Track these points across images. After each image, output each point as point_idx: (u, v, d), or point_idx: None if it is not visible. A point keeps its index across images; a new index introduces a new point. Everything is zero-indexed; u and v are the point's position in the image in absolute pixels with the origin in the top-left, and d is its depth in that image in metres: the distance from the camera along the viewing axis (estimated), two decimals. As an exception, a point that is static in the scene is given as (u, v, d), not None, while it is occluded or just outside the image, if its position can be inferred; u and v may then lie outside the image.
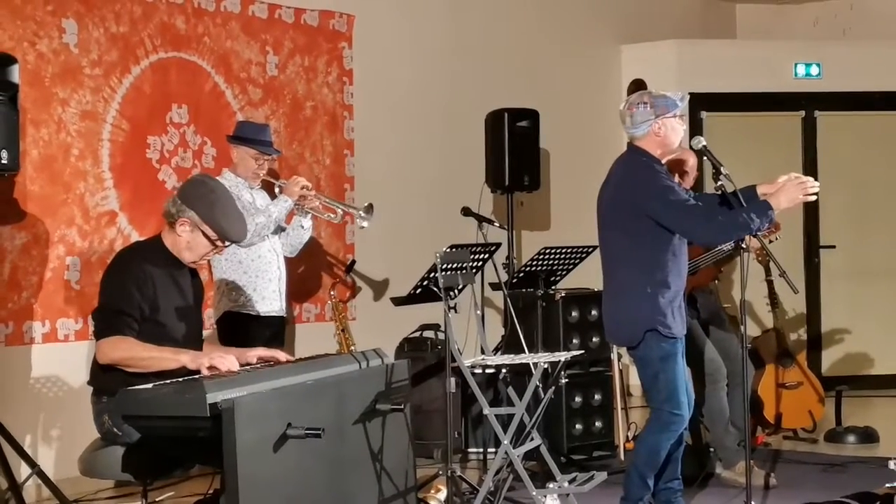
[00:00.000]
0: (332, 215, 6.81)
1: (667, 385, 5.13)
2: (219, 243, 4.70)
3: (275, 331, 6.36)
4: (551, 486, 5.26)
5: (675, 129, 5.13)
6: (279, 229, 6.44)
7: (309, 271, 7.65)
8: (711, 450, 6.36)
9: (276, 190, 6.47)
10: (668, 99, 5.12)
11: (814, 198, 5.02)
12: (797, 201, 5.00)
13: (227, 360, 4.49)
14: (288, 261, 6.53)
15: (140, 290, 4.55)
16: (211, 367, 4.44)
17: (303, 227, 6.57)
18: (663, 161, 5.20)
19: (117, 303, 4.53)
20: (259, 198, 6.42)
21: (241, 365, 4.61)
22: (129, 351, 4.46)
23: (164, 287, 4.65)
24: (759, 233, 5.06)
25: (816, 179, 5.07)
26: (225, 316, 6.26)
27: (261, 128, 6.58)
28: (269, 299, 6.31)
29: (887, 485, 5.82)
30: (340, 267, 7.84)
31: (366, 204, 6.66)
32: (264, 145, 6.42)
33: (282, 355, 4.81)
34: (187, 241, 4.68)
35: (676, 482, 5.37)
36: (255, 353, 4.78)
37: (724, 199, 5.13)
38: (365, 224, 6.63)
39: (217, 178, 6.30)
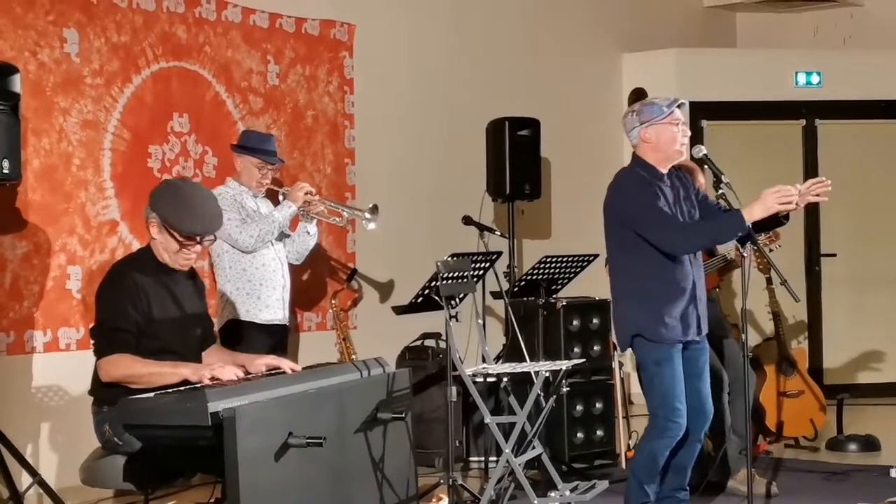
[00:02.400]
0: (338, 219, 6.82)
1: (661, 390, 5.14)
2: (186, 241, 4.68)
3: (278, 339, 6.36)
4: (553, 494, 5.26)
5: (665, 134, 5.16)
6: (283, 236, 6.45)
7: (311, 280, 7.65)
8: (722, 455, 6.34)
9: (280, 197, 6.48)
10: (654, 105, 5.19)
11: (793, 206, 4.98)
12: (773, 210, 4.97)
13: (227, 370, 4.49)
14: (291, 269, 6.53)
15: (134, 304, 4.55)
16: (212, 379, 4.44)
17: (308, 233, 6.58)
18: (665, 167, 5.22)
19: (113, 320, 4.54)
20: (263, 206, 6.44)
21: (249, 373, 4.61)
22: (130, 369, 4.47)
23: (158, 297, 4.65)
24: (746, 241, 5.13)
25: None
26: (228, 324, 6.26)
27: (265, 137, 6.59)
28: (272, 308, 6.32)
29: (888, 500, 5.83)
30: (342, 276, 7.85)
31: (370, 205, 6.65)
32: (268, 155, 6.43)
33: (286, 365, 4.79)
34: (161, 243, 4.69)
35: (683, 493, 5.35)
36: (265, 361, 4.77)
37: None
38: (372, 225, 6.61)
39: (221, 186, 6.35)
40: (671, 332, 5.14)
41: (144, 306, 4.58)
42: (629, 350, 5.32)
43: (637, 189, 5.11)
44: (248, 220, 6.24)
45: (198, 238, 4.70)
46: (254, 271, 6.28)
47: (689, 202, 5.24)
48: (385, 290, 8.10)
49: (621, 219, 5.16)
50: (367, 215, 6.60)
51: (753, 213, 4.96)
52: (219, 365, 4.55)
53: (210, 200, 4.83)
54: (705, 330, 5.30)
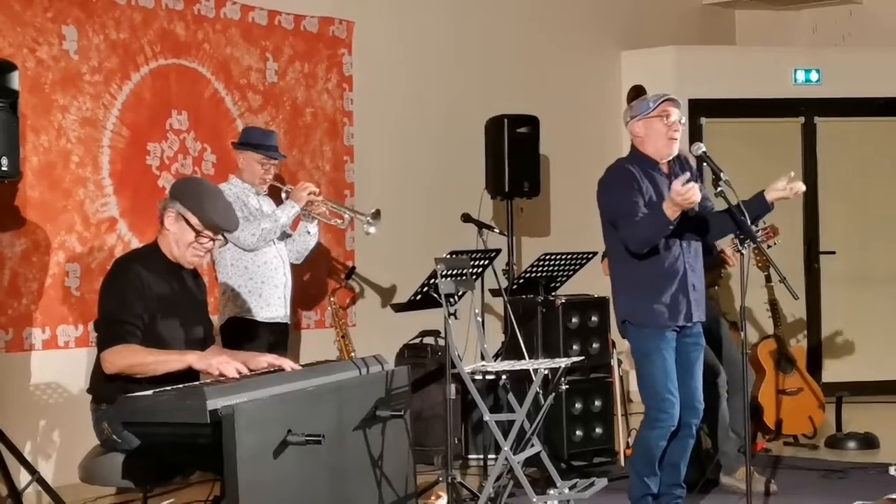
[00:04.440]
0: (339, 220, 6.82)
1: (651, 381, 5.24)
2: (203, 231, 4.67)
3: (279, 337, 6.36)
4: (552, 492, 5.26)
5: (653, 128, 5.29)
6: (284, 236, 6.45)
7: (310, 278, 7.65)
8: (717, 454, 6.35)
9: (283, 195, 6.47)
10: (643, 101, 5.38)
11: (697, 197, 4.96)
12: (678, 208, 4.97)
13: (233, 365, 4.48)
14: (292, 267, 6.52)
15: (139, 297, 4.54)
16: (217, 369, 4.44)
17: (309, 232, 6.57)
18: (661, 158, 5.31)
19: (118, 312, 4.52)
20: (265, 204, 6.43)
21: (250, 370, 4.60)
22: (134, 357, 4.46)
23: (162, 292, 4.64)
24: (755, 239, 5.16)
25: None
26: (229, 321, 6.27)
27: (266, 133, 6.59)
28: (274, 305, 6.32)
29: (887, 497, 5.82)
30: (341, 274, 7.84)
31: (373, 210, 6.64)
32: (270, 150, 6.43)
33: (287, 364, 4.78)
34: (174, 234, 4.68)
35: (679, 489, 5.38)
36: (266, 359, 4.76)
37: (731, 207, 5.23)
38: (372, 230, 6.59)
39: (224, 184, 6.34)
40: (658, 318, 5.22)
41: (148, 301, 4.57)
42: (628, 348, 5.37)
43: (614, 182, 5.29)
44: (250, 219, 6.24)
45: (213, 233, 4.69)
46: (255, 269, 6.28)
47: None
48: (384, 287, 8.10)
49: (603, 211, 5.33)
50: (370, 219, 6.56)
51: (667, 211, 5.00)
52: (225, 359, 4.53)
53: (230, 204, 4.91)
54: (699, 317, 5.34)
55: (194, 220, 4.66)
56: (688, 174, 5.03)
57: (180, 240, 4.68)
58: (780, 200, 5.28)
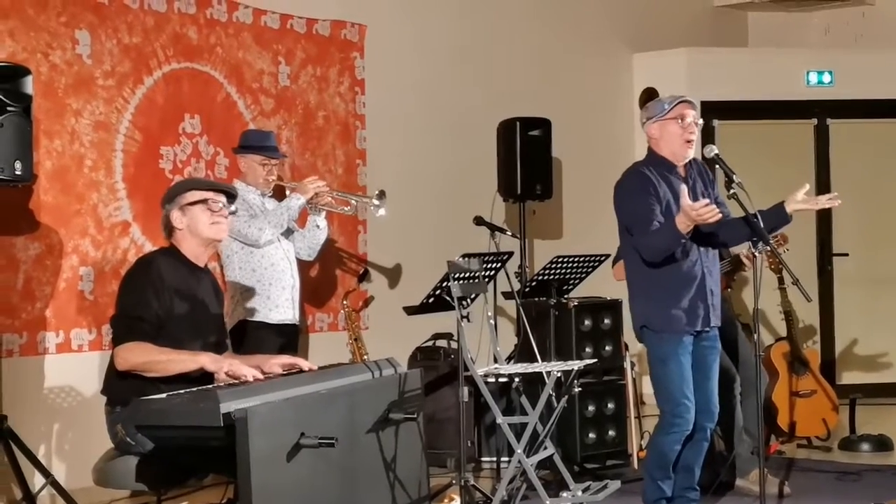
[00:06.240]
0: (346, 208, 6.85)
1: (667, 386, 5.22)
2: (209, 197, 4.71)
3: (288, 339, 6.37)
4: (565, 495, 5.26)
5: (667, 129, 5.28)
6: (288, 232, 6.45)
7: (322, 280, 7.66)
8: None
9: (288, 192, 6.49)
10: (659, 103, 5.35)
11: (713, 220, 4.96)
12: (690, 224, 4.98)
13: (246, 368, 4.48)
14: (301, 269, 6.53)
15: (158, 296, 4.56)
16: (229, 374, 4.45)
17: (318, 226, 6.59)
18: (678, 161, 5.29)
19: (135, 309, 4.54)
20: (270, 205, 6.45)
21: (265, 372, 4.61)
22: (147, 355, 4.47)
23: (181, 294, 4.65)
24: (767, 245, 5.15)
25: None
26: (238, 325, 6.27)
27: (264, 134, 6.63)
28: (282, 307, 6.33)
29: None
30: (353, 276, 7.85)
31: (377, 191, 6.67)
32: (269, 150, 6.46)
33: (304, 363, 4.80)
34: (188, 226, 4.71)
35: (693, 493, 5.37)
36: (279, 361, 4.77)
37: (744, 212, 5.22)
38: (381, 211, 6.63)
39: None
40: (677, 323, 5.20)
41: (168, 301, 4.58)
42: (641, 351, 5.36)
43: (630, 187, 5.26)
44: (256, 216, 6.27)
45: (215, 191, 4.75)
46: (263, 271, 6.30)
47: (706, 196, 5.26)
48: (396, 290, 8.10)
49: (619, 216, 5.32)
50: (376, 202, 6.63)
51: (680, 225, 4.98)
52: (238, 363, 4.54)
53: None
54: (716, 322, 5.32)
55: (195, 195, 4.70)
56: (706, 201, 4.97)
57: (199, 223, 4.71)
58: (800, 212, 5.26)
